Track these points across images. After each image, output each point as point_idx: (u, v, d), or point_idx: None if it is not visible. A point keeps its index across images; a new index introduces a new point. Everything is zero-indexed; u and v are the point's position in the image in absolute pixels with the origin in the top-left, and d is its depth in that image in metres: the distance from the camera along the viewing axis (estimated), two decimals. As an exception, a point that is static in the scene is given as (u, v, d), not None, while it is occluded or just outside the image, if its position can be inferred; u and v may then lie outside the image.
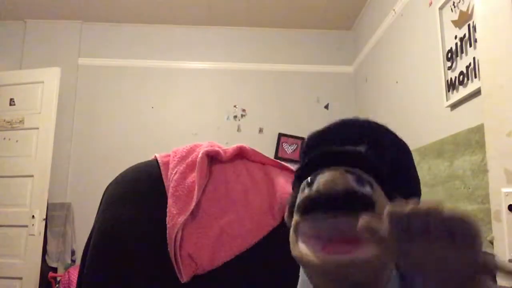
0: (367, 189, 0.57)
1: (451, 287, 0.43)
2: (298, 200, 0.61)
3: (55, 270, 3.11)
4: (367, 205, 0.55)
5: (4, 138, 3.14)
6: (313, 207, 0.57)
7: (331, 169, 0.59)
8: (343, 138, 0.65)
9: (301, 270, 0.65)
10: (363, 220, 0.44)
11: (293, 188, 0.70)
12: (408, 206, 0.41)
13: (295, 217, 0.60)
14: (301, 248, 0.57)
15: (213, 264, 0.96)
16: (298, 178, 0.64)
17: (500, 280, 0.47)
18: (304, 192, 0.60)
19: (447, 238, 0.40)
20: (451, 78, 1.98)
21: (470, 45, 1.82)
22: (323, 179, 0.58)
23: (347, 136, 0.65)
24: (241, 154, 1.13)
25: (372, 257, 0.52)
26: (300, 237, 0.58)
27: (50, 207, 3.13)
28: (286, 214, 0.68)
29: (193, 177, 1.03)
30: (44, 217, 2.94)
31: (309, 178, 0.61)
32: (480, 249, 0.41)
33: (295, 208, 0.61)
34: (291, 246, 0.60)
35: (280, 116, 3.61)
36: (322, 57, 3.80)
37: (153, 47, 3.73)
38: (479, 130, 1.61)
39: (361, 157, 0.60)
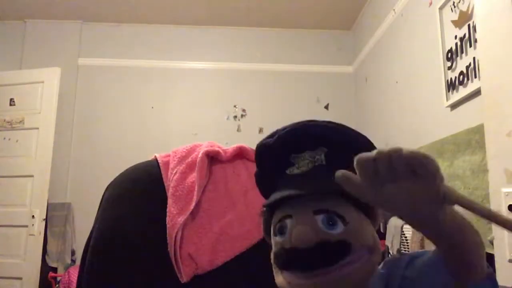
0: (339, 229, 0.57)
1: (421, 218, 0.47)
2: (273, 243, 0.63)
3: (55, 270, 3.11)
4: (343, 250, 0.56)
5: (4, 138, 3.13)
6: (289, 262, 0.58)
7: (298, 214, 0.58)
8: (299, 143, 0.65)
9: None
10: (338, 173, 0.47)
11: (263, 197, 0.70)
12: (373, 152, 0.44)
13: (276, 265, 0.61)
14: (282, 277, 0.59)
15: (213, 264, 0.96)
16: (267, 205, 0.65)
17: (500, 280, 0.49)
18: (278, 240, 0.61)
19: (411, 175, 0.44)
20: (451, 78, 1.97)
21: (470, 45, 1.82)
22: (294, 232, 0.57)
23: (302, 140, 0.65)
24: (241, 154, 1.13)
25: (345, 276, 0.55)
26: (283, 271, 0.60)
27: (50, 207, 3.12)
28: (263, 231, 0.69)
29: (193, 177, 1.03)
30: (44, 217, 2.93)
31: (278, 223, 0.61)
32: (439, 182, 0.44)
33: (273, 258, 0.62)
34: (274, 273, 0.62)
35: (280, 116, 3.60)
36: (322, 57, 3.80)
37: (153, 47, 3.73)
38: (479, 130, 1.61)
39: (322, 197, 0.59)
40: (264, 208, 0.66)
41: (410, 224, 0.50)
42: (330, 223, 0.57)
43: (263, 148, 0.69)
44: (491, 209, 0.44)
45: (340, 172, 0.46)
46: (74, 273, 2.84)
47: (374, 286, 0.59)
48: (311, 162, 0.63)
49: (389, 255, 2.15)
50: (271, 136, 0.68)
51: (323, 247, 0.56)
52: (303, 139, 0.65)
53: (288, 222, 0.59)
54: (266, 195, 0.69)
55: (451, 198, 0.45)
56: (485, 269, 0.51)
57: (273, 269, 0.62)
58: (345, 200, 0.58)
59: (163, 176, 1.07)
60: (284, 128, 0.67)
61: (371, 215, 0.62)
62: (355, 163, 0.45)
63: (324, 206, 0.58)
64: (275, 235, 0.62)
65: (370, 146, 0.66)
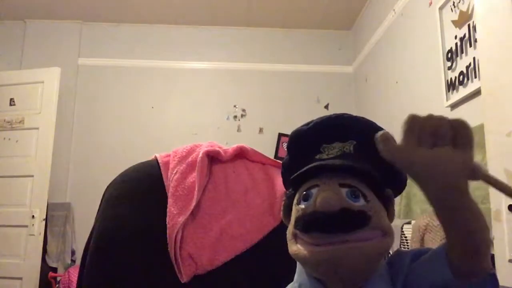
0: (361, 203, 0.60)
1: (447, 190, 0.48)
2: (294, 212, 0.65)
3: (55, 270, 3.11)
4: (363, 219, 0.58)
5: (4, 138, 3.13)
6: (310, 223, 0.60)
7: (325, 184, 0.61)
8: (331, 134, 0.68)
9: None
10: (380, 133, 0.48)
11: (285, 187, 0.74)
12: (425, 115, 0.47)
13: (294, 230, 0.64)
14: (297, 247, 0.62)
15: (213, 264, 0.96)
16: (291, 182, 0.67)
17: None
18: (301, 207, 0.63)
19: (450, 143, 0.46)
20: (451, 78, 1.98)
21: (470, 45, 1.82)
22: (319, 197, 0.60)
23: (335, 132, 0.68)
24: (241, 154, 1.13)
25: (360, 248, 0.57)
26: (298, 242, 0.63)
27: (50, 207, 3.12)
28: (282, 214, 0.72)
29: (193, 177, 1.03)
30: (44, 217, 2.93)
31: (303, 191, 0.63)
32: (473, 154, 0.46)
33: (293, 223, 0.64)
34: (289, 245, 0.64)
35: (280, 116, 3.60)
36: (322, 57, 3.80)
37: (153, 47, 3.73)
38: (479, 130, 1.61)
39: (351, 168, 0.62)
40: (287, 192, 0.70)
41: (430, 197, 0.50)
42: (354, 196, 0.60)
43: (297, 134, 0.72)
44: None
45: (379, 134, 0.48)
46: (74, 273, 2.84)
47: (381, 278, 0.61)
48: (339, 151, 0.66)
49: (389, 255, 2.16)
50: (306, 124, 0.72)
51: (345, 213, 0.58)
52: (336, 130, 0.68)
53: (314, 190, 0.62)
54: (287, 184, 0.73)
55: (479, 172, 0.47)
56: (489, 266, 0.51)
57: (288, 241, 0.65)
58: (367, 185, 0.62)
59: (163, 176, 1.07)
60: (320, 118, 0.71)
61: (388, 207, 0.65)
62: (405, 120, 0.47)
63: (350, 182, 0.61)
64: (298, 203, 0.64)
65: None
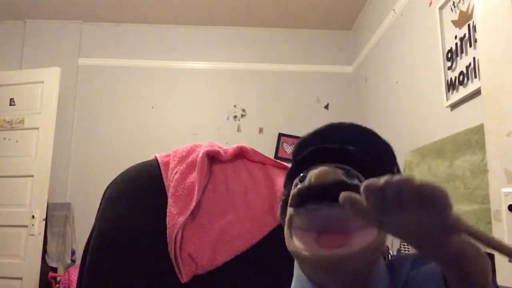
0: (355, 182, 0.61)
1: (427, 247, 0.47)
2: (291, 195, 0.65)
3: (55, 270, 3.11)
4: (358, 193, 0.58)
5: (4, 138, 3.13)
6: (305, 199, 0.60)
7: (322, 165, 0.63)
8: (331, 140, 0.69)
9: (296, 264, 0.67)
10: (344, 193, 0.46)
11: (285, 187, 0.74)
12: (382, 180, 0.43)
13: (289, 211, 0.64)
14: (295, 243, 0.60)
15: (213, 264, 0.96)
16: (290, 177, 0.68)
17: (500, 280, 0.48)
18: (297, 187, 0.64)
19: (419, 205, 0.43)
20: (451, 78, 1.97)
21: (470, 45, 1.82)
22: (314, 173, 0.61)
23: (335, 138, 0.69)
24: (241, 154, 1.13)
25: (362, 250, 0.56)
26: (294, 232, 0.62)
27: (50, 207, 3.12)
28: (278, 212, 0.71)
29: (193, 177, 1.03)
30: (44, 217, 2.93)
31: (301, 174, 0.65)
32: (449, 213, 0.43)
33: (289, 203, 0.64)
34: (286, 241, 0.63)
35: (280, 116, 3.60)
36: (322, 57, 3.79)
37: (153, 47, 3.73)
38: (479, 130, 1.61)
39: (349, 154, 0.64)
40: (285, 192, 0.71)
41: (416, 250, 0.49)
42: (349, 176, 0.62)
43: (301, 141, 0.74)
44: (497, 239, 0.43)
45: (344, 195, 0.46)
46: (74, 273, 2.84)
47: (381, 281, 0.60)
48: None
49: (390, 255, 2.15)
50: (312, 132, 0.74)
51: (340, 185, 0.59)
52: (337, 136, 0.69)
53: (311, 171, 0.63)
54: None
55: (459, 228, 0.44)
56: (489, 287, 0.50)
57: (286, 237, 0.64)
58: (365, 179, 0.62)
59: (163, 176, 1.07)
60: (324, 126, 0.72)
61: None
62: (361, 189, 0.44)
63: (345, 166, 0.63)
64: (295, 186, 0.65)
65: (390, 152, 0.71)
